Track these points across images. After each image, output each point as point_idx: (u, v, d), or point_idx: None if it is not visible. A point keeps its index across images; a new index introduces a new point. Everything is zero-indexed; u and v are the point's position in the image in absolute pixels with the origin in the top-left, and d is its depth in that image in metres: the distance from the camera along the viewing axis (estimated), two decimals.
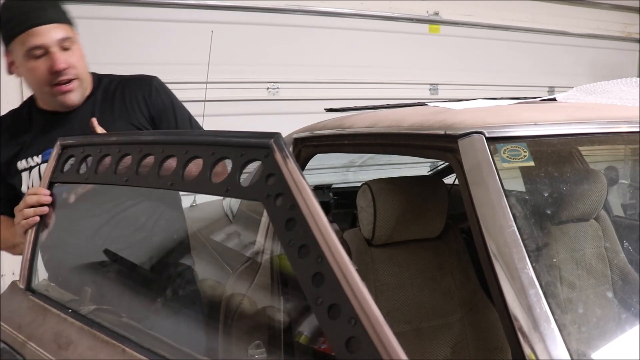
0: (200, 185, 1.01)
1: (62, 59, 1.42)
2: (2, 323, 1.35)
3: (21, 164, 1.53)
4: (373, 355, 0.70)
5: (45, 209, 1.37)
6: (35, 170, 1.51)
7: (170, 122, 1.57)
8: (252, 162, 0.93)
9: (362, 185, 1.52)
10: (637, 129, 1.22)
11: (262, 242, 1.79)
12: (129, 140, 1.25)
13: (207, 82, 2.19)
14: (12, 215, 1.46)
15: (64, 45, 1.44)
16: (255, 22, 3.49)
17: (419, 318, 1.50)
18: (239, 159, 0.95)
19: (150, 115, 1.56)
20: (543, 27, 4.49)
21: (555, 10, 4.56)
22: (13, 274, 2.99)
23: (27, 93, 2.95)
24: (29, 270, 1.40)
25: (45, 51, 1.41)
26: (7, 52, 1.47)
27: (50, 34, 1.40)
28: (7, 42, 1.44)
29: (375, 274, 1.52)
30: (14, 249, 1.57)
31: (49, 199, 1.37)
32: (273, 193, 0.87)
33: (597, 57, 4.79)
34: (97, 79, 1.58)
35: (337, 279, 0.76)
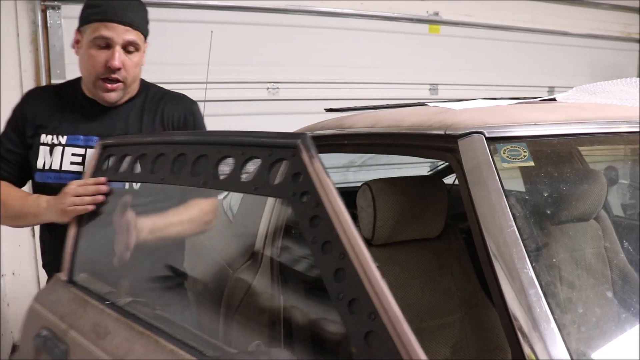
0: (231, 183, 1.06)
1: (119, 59, 1.47)
2: (45, 312, 1.41)
3: (45, 138, 1.55)
4: (391, 349, 0.72)
5: (101, 199, 1.41)
6: (58, 150, 1.54)
7: None
8: (280, 161, 0.96)
9: (362, 185, 1.52)
10: (637, 129, 1.22)
11: (262, 242, 1.79)
12: (164, 140, 1.31)
13: (207, 82, 2.19)
14: (15, 183, 1.56)
15: (128, 49, 1.50)
16: (255, 22, 3.49)
17: (418, 318, 1.50)
18: (268, 158, 0.99)
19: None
20: (543, 27, 4.48)
21: (555, 10, 4.56)
22: (13, 273, 2.99)
23: None
24: (71, 263, 1.45)
25: (109, 45, 1.47)
26: (78, 31, 1.53)
27: (122, 34, 1.47)
28: (83, 23, 1.50)
29: None
30: (16, 220, 1.56)
31: (106, 189, 1.41)
32: (299, 191, 0.90)
33: (597, 57, 4.79)
34: (145, 85, 1.65)
35: (358, 275, 0.78)
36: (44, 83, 2.92)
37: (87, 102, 1.58)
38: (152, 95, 1.64)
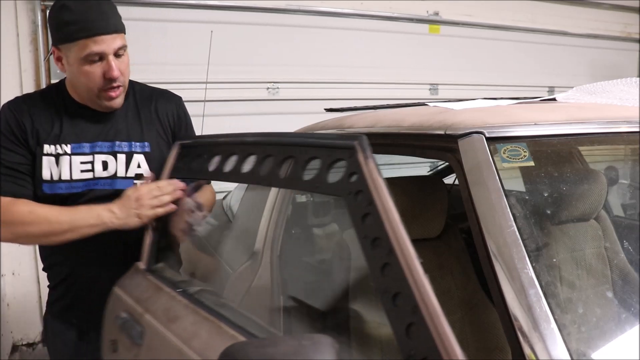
0: (293, 182, 1.13)
1: (116, 67, 1.47)
2: (125, 297, 1.54)
3: (48, 148, 1.50)
4: (428, 341, 0.76)
5: (180, 194, 1.51)
6: (64, 160, 1.50)
7: (183, 137, 1.72)
8: (338, 161, 1.01)
9: None
10: (637, 129, 1.22)
11: (262, 242, 1.79)
12: (235, 141, 1.42)
13: (207, 82, 2.19)
14: (32, 198, 1.47)
15: (119, 52, 1.49)
16: (255, 22, 3.49)
17: None
18: (327, 159, 1.03)
19: (172, 128, 1.68)
20: (543, 27, 4.49)
21: (555, 10, 4.56)
22: (13, 273, 2.99)
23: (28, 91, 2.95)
24: (150, 253, 1.58)
25: (101, 57, 1.46)
26: (58, 48, 1.49)
27: (111, 43, 1.45)
28: (64, 42, 1.46)
29: None
30: (63, 235, 1.44)
31: (183, 185, 1.51)
32: (354, 190, 0.94)
33: (597, 57, 4.79)
34: (130, 84, 1.64)
35: (403, 270, 0.83)
36: (43, 83, 2.92)
37: (81, 109, 1.56)
38: (140, 93, 1.66)
